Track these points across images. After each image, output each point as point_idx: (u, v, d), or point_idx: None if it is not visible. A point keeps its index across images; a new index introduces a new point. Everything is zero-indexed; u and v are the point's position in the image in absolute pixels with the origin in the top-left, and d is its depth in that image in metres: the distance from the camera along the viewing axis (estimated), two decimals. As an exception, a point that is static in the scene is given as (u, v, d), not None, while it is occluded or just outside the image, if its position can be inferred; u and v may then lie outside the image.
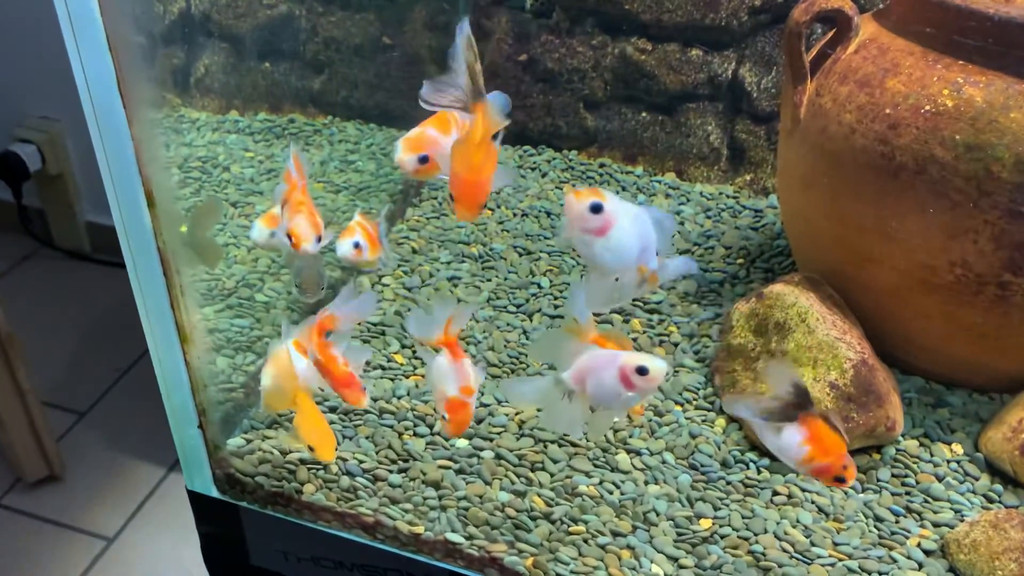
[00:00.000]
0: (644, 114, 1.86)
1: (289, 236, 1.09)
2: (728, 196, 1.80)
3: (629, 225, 0.91)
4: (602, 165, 1.89)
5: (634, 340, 1.46)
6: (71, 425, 2.37)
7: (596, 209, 0.90)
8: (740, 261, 1.63)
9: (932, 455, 1.28)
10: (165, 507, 2.17)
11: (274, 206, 1.19)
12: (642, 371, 0.91)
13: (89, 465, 2.26)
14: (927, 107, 1.19)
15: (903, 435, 1.30)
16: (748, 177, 1.82)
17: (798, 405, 0.95)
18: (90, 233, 2.88)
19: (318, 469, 1.23)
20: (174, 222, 1.06)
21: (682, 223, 1.72)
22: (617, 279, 0.94)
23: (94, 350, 2.59)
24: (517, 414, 1.31)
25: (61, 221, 2.88)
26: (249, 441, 1.27)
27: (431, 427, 1.29)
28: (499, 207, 1.77)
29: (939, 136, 1.18)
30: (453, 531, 1.16)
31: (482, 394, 1.35)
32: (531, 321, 1.49)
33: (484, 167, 0.91)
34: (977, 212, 1.17)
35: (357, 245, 1.21)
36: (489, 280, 1.58)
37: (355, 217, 1.24)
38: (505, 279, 1.58)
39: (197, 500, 1.28)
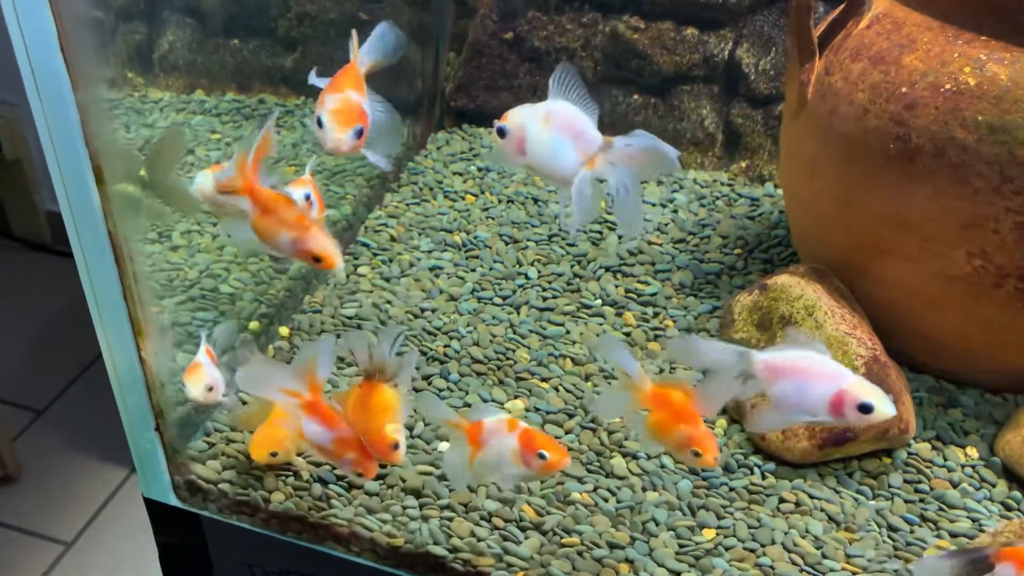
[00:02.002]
0: (636, 96, 1.77)
1: (316, 258, 0.89)
2: (723, 184, 1.72)
3: (542, 126, 0.84)
4: (591, 151, 1.80)
5: (627, 335, 1.37)
6: (28, 424, 2.29)
7: (501, 133, 0.86)
8: (737, 251, 1.54)
9: (946, 459, 1.20)
10: (126, 511, 2.10)
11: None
12: (866, 409, 0.82)
13: (47, 466, 2.19)
14: (947, 85, 1.12)
15: (915, 438, 1.22)
16: (744, 164, 1.74)
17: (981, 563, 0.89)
18: (50, 223, 2.79)
19: (287, 476, 1.13)
20: (128, 202, 0.96)
21: (675, 211, 1.64)
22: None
23: (53, 345, 2.51)
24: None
25: (19, 210, 2.78)
26: (211, 445, 1.18)
27: (411, 429, 1.20)
28: (484, 193, 1.68)
29: (960, 117, 1.10)
30: (435, 543, 1.07)
31: (466, 393, 1.26)
32: (518, 314, 1.40)
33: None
34: (999, 199, 1.10)
35: (308, 197, 1.13)
36: (473, 270, 1.49)
37: (305, 173, 1.17)
38: (490, 269, 1.49)
39: (154, 509, 1.19)
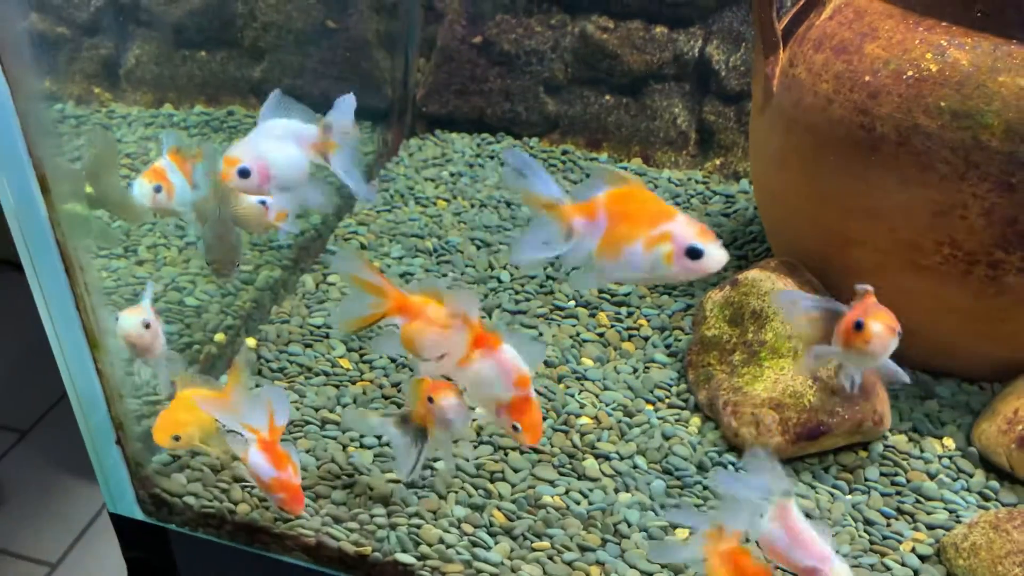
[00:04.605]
0: (607, 97, 1.76)
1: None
2: (697, 182, 1.71)
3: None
4: (565, 152, 1.79)
5: (600, 335, 1.35)
6: (12, 444, 2.25)
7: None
8: (712, 249, 1.52)
9: (923, 451, 1.19)
10: (112, 531, 2.05)
11: (160, 159, 1.06)
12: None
13: (31, 487, 2.14)
14: (909, 73, 1.10)
15: (890, 430, 1.21)
16: (718, 161, 1.73)
17: None
18: (31, 242, 2.75)
19: (253, 487, 1.11)
20: (78, 216, 0.94)
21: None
22: None
23: (35, 365, 2.47)
24: (474, 420, 1.20)
25: (-2, 230, 2.75)
26: (176, 458, 1.16)
27: (379, 437, 1.18)
28: (456, 198, 1.66)
29: (923, 104, 1.09)
30: (404, 551, 1.05)
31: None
32: (490, 318, 1.39)
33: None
34: (965, 185, 1.09)
35: (159, 190, 1.05)
36: (445, 275, 1.48)
37: (163, 154, 1.07)
38: (462, 274, 1.48)
39: (121, 524, 1.17)
